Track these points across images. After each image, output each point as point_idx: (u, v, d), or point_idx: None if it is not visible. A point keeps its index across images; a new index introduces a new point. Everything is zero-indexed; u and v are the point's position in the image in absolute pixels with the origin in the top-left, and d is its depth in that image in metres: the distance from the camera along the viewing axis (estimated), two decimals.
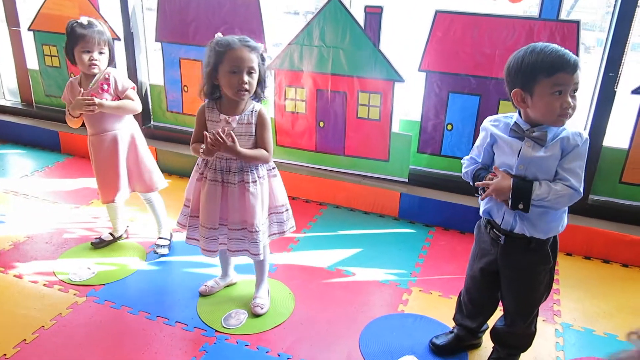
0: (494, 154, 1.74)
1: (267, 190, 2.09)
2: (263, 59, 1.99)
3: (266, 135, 2.03)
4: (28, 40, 3.93)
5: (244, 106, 2.01)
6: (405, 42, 3.40)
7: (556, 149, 1.58)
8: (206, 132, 1.93)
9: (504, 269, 1.79)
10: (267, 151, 2.02)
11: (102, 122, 2.41)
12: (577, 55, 2.54)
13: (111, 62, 2.43)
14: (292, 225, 2.22)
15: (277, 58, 3.11)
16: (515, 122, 1.63)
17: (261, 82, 2.01)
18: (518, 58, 1.56)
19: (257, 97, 2.03)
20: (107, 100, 2.36)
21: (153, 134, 3.67)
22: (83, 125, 2.46)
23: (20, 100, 4.23)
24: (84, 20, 2.32)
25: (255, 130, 2.01)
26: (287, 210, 2.18)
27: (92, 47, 2.31)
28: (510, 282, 1.80)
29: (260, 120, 2.01)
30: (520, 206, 1.60)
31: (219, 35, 1.96)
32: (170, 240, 2.68)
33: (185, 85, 3.50)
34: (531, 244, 1.70)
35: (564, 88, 1.52)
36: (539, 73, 1.51)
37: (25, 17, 3.88)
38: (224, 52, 1.90)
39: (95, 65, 2.33)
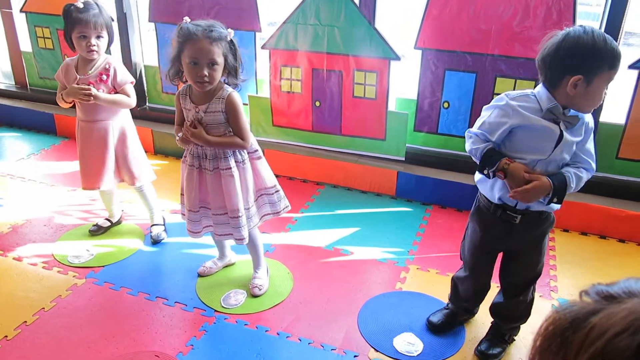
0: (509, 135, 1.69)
1: (250, 173, 2.07)
2: (232, 47, 1.91)
3: (238, 121, 1.97)
4: (20, 22, 3.88)
5: (213, 93, 1.95)
6: (400, 19, 3.37)
7: (582, 132, 1.63)
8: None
9: (519, 244, 1.82)
10: (241, 138, 1.98)
11: (95, 111, 2.36)
12: None
13: (110, 45, 2.37)
14: (286, 204, 2.21)
15: (271, 37, 3.08)
16: (555, 105, 1.58)
17: (231, 71, 1.94)
18: (586, 43, 1.48)
19: (232, 85, 1.98)
20: (103, 91, 2.32)
21: (148, 116, 3.65)
22: (73, 106, 2.42)
23: (14, 83, 4.20)
24: (79, 3, 2.23)
25: (227, 117, 1.97)
26: (277, 191, 2.17)
27: (89, 31, 2.23)
28: (523, 255, 1.84)
29: (229, 106, 1.95)
30: (555, 200, 1.63)
31: (185, 20, 1.89)
32: (164, 224, 2.68)
33: None
34: (543, 215, 1.75)
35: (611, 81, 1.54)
36: (605, 64, 1.49)
37: None
38: (183, 43, 1.85)
39: (94, 50, 2.27)
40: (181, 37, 1.85)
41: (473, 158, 1.75)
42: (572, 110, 1.60)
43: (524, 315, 1.95)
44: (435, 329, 2.06)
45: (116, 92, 2.38)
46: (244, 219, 2.06)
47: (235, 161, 2.01)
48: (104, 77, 2.32)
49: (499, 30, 2.67)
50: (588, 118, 1.64)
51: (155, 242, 2.58)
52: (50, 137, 3.85)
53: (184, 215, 2.17)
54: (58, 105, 2.39)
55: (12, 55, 4.08)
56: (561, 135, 1.60)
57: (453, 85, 2.88)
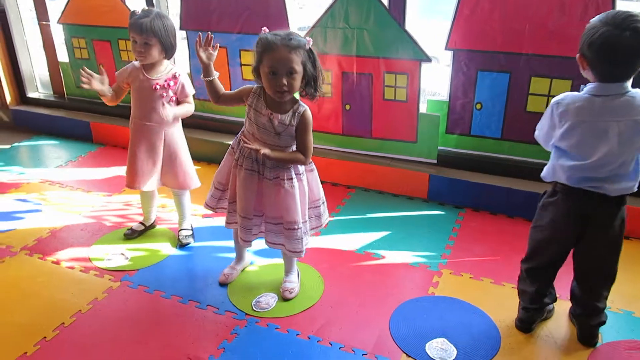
0: None
1: (307, 186, 2.07)
2: (311, 56, 1.89)
3: (306, 137, 1.97)
4: (58, 33, 4.00)
5: (288, 106, 1.95)
6: (431, 20, 3.34)
7: None
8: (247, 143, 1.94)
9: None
10: (303, 155, 1.98)
11: (149, 113, 2.42)
12: None
13: (167, 54, 2.39)
14: (327, 216, 2.22)
15: None
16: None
17: (310, 81, 1.91)
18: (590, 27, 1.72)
19: (310, 96, 1.95)
20: (165, 95, 2.39)
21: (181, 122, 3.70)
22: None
23: (52, 93, 4.32)
24: (138, 10, 2.32)
25: (296, 131, 1.97)
26: (323, 202, 2.18)
27: (136, 36, 2.29)
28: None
29: (302, 123, 1.95)
30: None
31: (264, 30, 1.89)
32: (192, 229, 2.70)
33: None
34: None
35: None
36: None
37: (55, 10, 3.95)
38: (262, 53, 1.85)
39: (141, 56, 2.33)
40: (260, 47, 1.86)
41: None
42: None
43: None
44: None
45: (178, 101, 2.46)
46: (301, 232, 2.05)
47: (295, 173, 2.02)
48: (171, 83, 2.39)
49: (533, 28, 2.61)
50: None
51: (182, 245, 2.61)
52: (86, 145, 3.94)
53: (212, 207, 2.22)
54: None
55: (50, 66, 4.20)
56: None
57: (486, 86, 2.83)
